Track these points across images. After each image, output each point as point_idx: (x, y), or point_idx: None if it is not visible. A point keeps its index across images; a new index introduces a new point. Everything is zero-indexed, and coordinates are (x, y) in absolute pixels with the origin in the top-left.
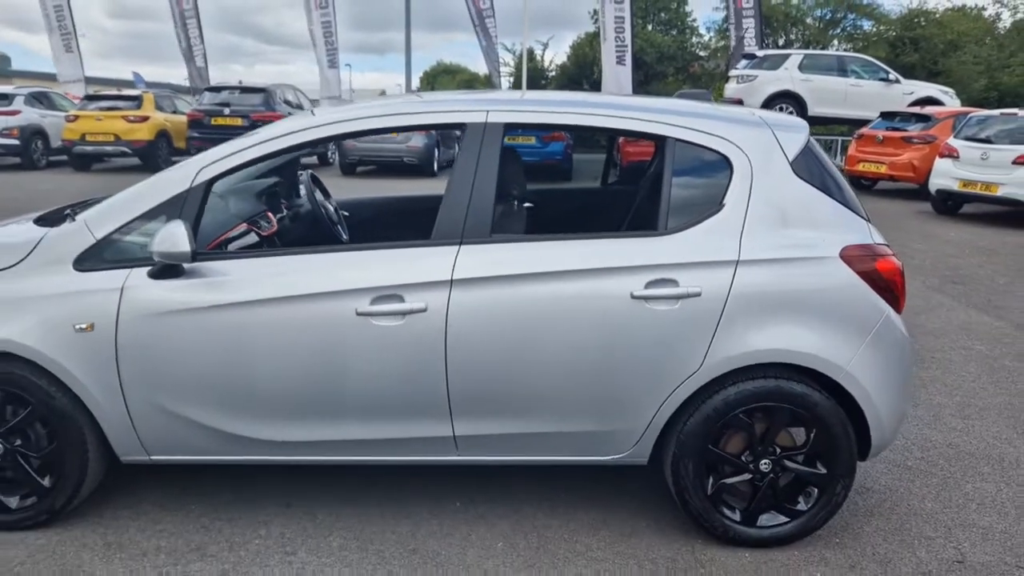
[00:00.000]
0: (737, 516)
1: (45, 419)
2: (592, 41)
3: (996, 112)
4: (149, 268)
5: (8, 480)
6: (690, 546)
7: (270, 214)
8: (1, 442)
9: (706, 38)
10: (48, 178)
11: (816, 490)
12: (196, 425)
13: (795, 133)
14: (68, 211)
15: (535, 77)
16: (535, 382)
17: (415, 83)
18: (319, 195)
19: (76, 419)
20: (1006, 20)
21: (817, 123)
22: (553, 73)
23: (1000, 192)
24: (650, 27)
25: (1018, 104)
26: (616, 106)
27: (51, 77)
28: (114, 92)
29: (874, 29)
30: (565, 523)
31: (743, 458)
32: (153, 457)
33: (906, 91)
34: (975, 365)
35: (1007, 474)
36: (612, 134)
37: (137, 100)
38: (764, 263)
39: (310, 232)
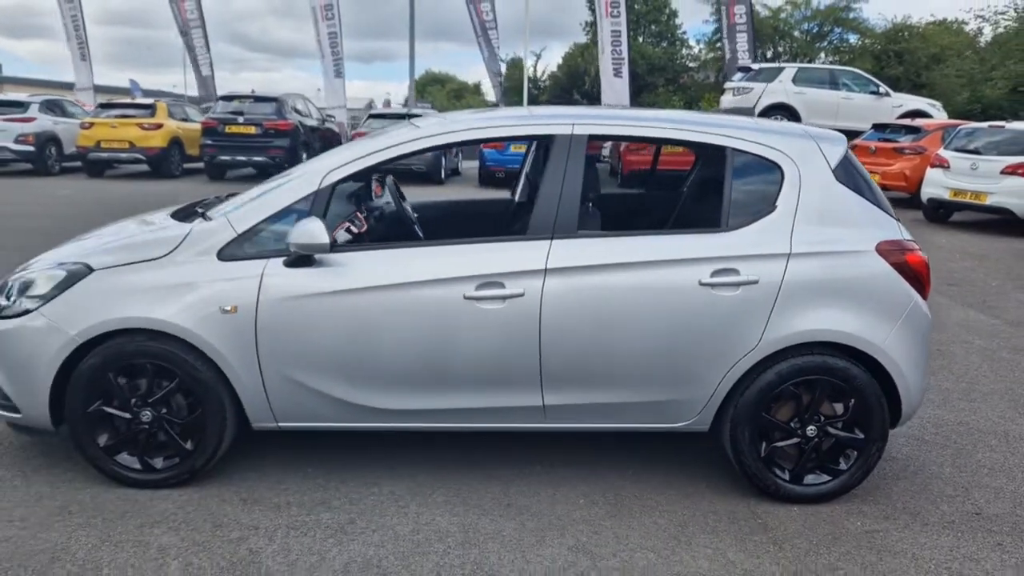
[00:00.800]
0: (786, 476)
1: (188, 390)
2: (584, 52)
3: (984, 124)
4: (284, 258)
5: (155, 443)
6: (745, 502)
7: (358, 214)
8: (151, 410)
9: (696, 50)
10: (65, 183)
11: (854, 452)
12: (322, 395)
13: (835, 145)
14: (199, 208)
15: (529, 88)
16: (615, 358)
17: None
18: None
19: (217, 390)
20: (987, 34)
21: None
22: (547, 83)
23: (989, 201)
24: (641, 39)
25: (1001, 116)
26: (682, 121)
27: (40, 84)
28: (127, 100)
29: (860, 42)
30: (634, 483)
31: (791, 424)
32: (280, 424)
33: (895, 104)
34: (976, 356)
35: (1012, 446)
36: (681, 145)
37: (151, 108)
38: (812, 256)
39: (392, 230)
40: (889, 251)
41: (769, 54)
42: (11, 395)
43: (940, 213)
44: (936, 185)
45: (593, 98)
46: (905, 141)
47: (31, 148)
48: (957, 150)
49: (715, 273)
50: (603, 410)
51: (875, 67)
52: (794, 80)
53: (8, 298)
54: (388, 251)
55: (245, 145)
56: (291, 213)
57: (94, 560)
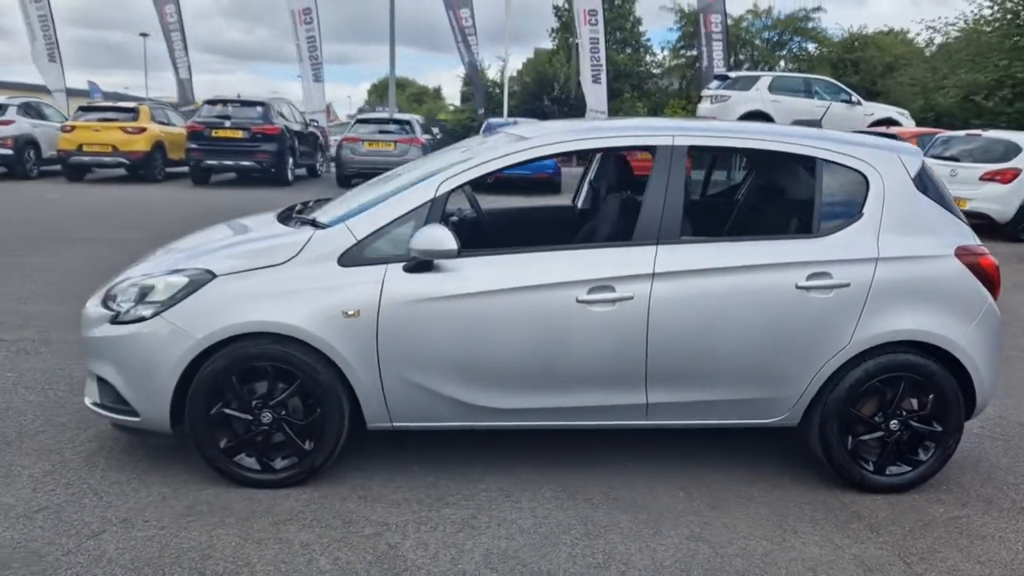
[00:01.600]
0: (871, 467)
1: (308, 392)
2: (551, 58)
3: (962, 133)
4: (404, 264)
5: (274, 444)
6: (833, 493)
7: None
8: (271, 412)
9: (659, 56)
10: (48, 187)
11: (933, 444)
12: (438, 396)
13: (914, 156)
14: (300, 212)
15: (495, 92)
16: (716, 358)
17: (364, 96)
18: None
19: (336, 391)
20: (936, 44)
21: None
22: (516, 88)
23: (969, 207)
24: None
25: (953, 124)
26: (771, 133)
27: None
28: (109, 104)
29: (818, 51)
30: (726, 477)
31: (876, 419)
32: (395, 424)
33: (867, 112)
34: None
35: None
36: (773, 157)
37: (134, 112)
38: (897, 260)
39: (472, 236)
40: (965, 255)
41: (731, 61)
42: (131, 399)
43: None
44: None
45: (563, 104)
46: None
47: (10, 151)
48: (936, 157)
49: (810, 276)
50: (701, 408)
51: (833, 75)
52: (770, 88)
53: (122, 305)
54: (502, 256)
55: (232, 149)
56: (409, 220)
57: (243, 556)
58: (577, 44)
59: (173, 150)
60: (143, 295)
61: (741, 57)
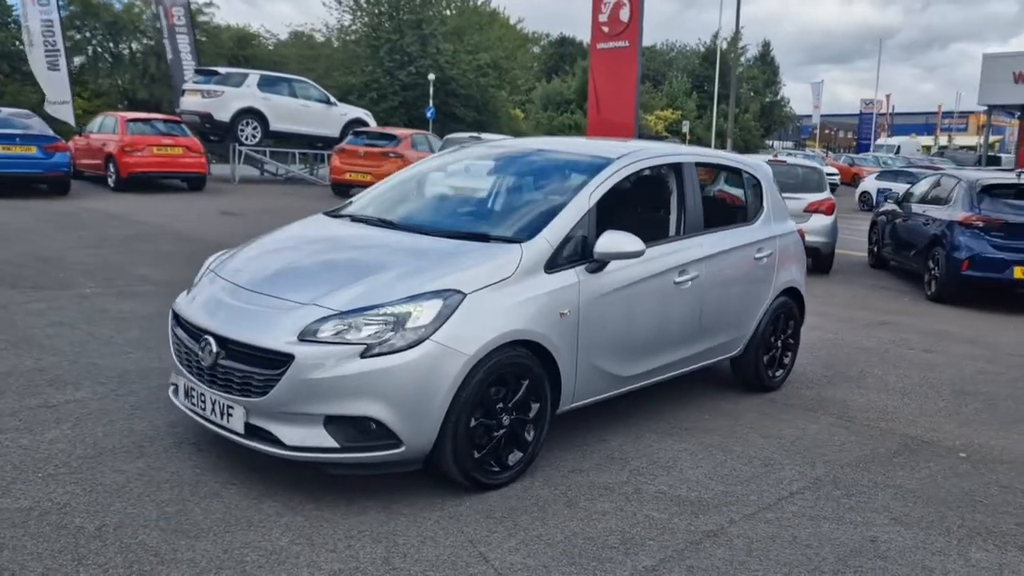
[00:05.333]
0: (772, 372)
1: (531, 388)
2: None
3: (467, 135)
4: (586, 265)
5: (514, 442)
6: (727, 398)
7: None
8: (507, 414)
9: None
10: None
11: (790, 353)
12: (601, 372)
13: (768, 167)
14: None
15: None
16: (728, 311)
17: None
18: None
19: (546, 383)
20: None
21: (279, 138)
22: None
23: None
24: None
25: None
26: (718, 154)
27: None
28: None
29: (208, 44)
30: (689, 409)
31: (774, 339)
32: (574, 404)
33: (342, 112)
34: None
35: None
36: (727, 169)
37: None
38: (783, 236)
39: None
40: (798, 230)
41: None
42: (400, 429)
43: None
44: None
45: None
46: (388, 147)
47: None
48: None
49: (758, 251)
50: (713, 350)
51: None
52: (259, 86)
53: (366, 337)
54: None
55: None
56: (580, 227)
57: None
58: None
59: None
60: (401, 323)
61: (133, 46)
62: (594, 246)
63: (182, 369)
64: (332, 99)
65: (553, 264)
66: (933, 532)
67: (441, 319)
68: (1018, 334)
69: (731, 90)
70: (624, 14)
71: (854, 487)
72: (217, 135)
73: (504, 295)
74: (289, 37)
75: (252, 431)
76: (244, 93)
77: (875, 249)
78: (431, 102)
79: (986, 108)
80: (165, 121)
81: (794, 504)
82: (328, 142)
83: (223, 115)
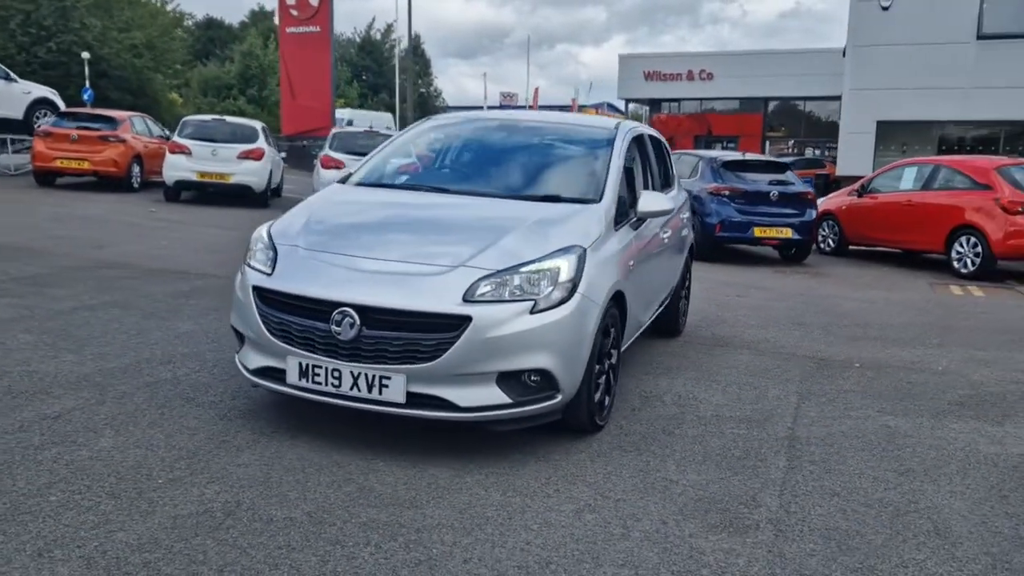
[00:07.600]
0: (678, 323)
1: (615, 337)
2: None
3: (209, 117)
4: (632, 222)
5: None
6: (668, 346)
7: None
8: (610, 360)
9: None
10: None
11: (683, 298)
12: (635, 319)
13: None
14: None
15: None
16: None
17: None
18: None
19: (620, 331)
20: None
21: None
22: None
23: (232, 180)
24: None
25: None
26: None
27: None
28: None
29: None
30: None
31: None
32: (622, 348)
33: (25, 90)
34: None
35: None
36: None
37: None
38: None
39: None
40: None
41: None
42: (561, 378)
43: (181, 193)
44: (181, 169)
45: None
46: (107, 129)
47: None
48: (193, 139)
49: (679, 211)
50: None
51: None
52: None
53: (531, 294)
54: None
55: None
56: (620, 189)
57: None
58: None
59: None
60: (554, 278)
61: None
62: (637, 205)
63: (293, 349)
64: (11, 74)
65: (614, 223)
66: (912, 417)
67: (579, 273)
68: (776, 279)
69: (397, 80)
70: None
71: (835, 396)
72: None
73: (603, 250)
74: None
75: (414, 400)
76: None
77: None
78: (87, 83)
79: (624, 101)
80: None
81: (807, 416)
82: (10, 125)
83: None
